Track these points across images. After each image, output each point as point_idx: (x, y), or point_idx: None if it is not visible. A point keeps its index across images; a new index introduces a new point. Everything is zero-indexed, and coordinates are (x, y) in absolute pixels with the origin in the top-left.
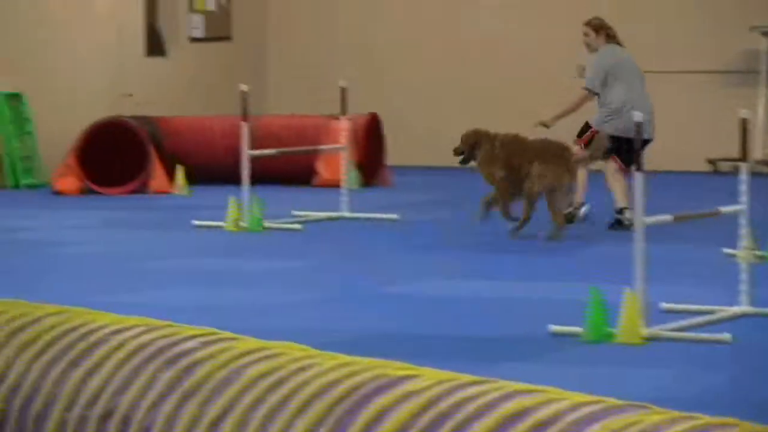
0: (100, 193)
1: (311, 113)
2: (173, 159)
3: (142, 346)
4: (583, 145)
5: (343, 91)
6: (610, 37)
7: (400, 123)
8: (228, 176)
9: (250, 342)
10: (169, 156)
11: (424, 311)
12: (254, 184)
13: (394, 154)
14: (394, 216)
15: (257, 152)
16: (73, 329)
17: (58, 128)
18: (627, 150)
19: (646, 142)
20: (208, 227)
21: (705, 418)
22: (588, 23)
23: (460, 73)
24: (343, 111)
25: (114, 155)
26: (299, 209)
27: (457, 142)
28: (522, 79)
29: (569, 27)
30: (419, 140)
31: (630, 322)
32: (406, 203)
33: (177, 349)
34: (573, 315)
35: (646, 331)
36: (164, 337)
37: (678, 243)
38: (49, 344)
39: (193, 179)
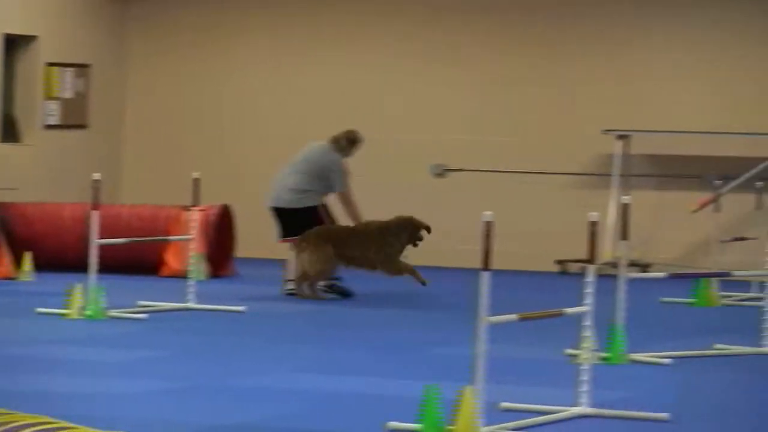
0: None
1: (166, 203)
2: (22, 245)
3: None
4: None
5: (195, 182)
6: None
7: (253, 214)
8: (78, 264)
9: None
10: (18, 242)
11: (264, 404)
12: (103, 273)
13: (246, 246)
14: (240, 308)
15: (105, 240)
16: None
17: None
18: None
19: None
20: (52, 314)
21: None
22: None
23: None
24: (195, 202)
25: None
26: (145, 299)
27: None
28: (376, 179)
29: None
30: (270, 232)
31: (466, 419)
32: (253, 295)
33: None
34: (412, 412)
35: (483, 429)
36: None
37: (522, 343)
38: None
39: (42, 266)
